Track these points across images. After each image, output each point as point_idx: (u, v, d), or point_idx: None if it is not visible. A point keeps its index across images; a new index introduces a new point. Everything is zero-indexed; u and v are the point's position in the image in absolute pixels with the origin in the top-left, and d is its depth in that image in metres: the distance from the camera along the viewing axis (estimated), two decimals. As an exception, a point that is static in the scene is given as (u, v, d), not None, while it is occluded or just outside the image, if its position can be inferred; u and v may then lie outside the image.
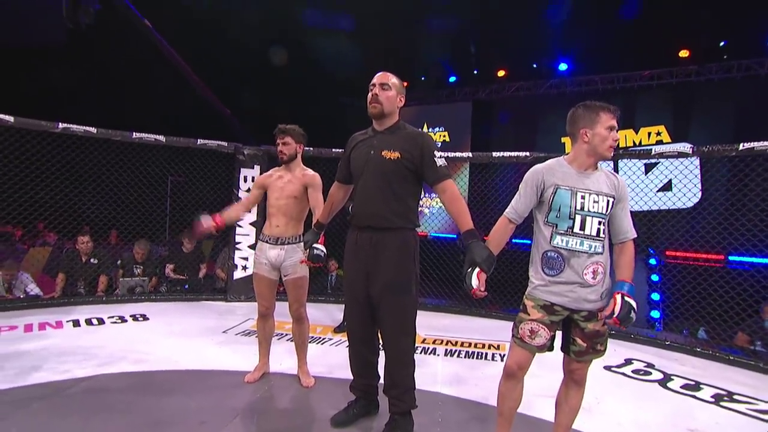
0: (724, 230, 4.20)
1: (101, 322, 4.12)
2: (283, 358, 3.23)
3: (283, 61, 8.36)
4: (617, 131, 1.92)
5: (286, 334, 3.84)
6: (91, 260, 5.06)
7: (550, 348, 1.97)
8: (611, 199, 1.91)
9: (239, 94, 8.97)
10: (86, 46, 7.04)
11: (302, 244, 2.73)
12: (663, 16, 6.72)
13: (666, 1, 6.52)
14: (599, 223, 1.89)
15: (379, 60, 7.37)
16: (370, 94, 2.26)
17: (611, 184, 1.93)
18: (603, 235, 1.91)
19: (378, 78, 2.27)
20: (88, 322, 4.09)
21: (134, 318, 4.30)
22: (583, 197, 1.89)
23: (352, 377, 2.47)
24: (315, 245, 2.50)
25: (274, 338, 3.17)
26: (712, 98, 7.47)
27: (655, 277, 6.59)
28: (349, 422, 2.38)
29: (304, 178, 2.86)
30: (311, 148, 5.09)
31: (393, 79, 2.27)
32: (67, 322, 4.05)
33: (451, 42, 8.55)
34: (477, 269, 1.92)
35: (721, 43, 7.38)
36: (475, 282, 1.91)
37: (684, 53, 7.58)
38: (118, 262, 5.25)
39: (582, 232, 1.89)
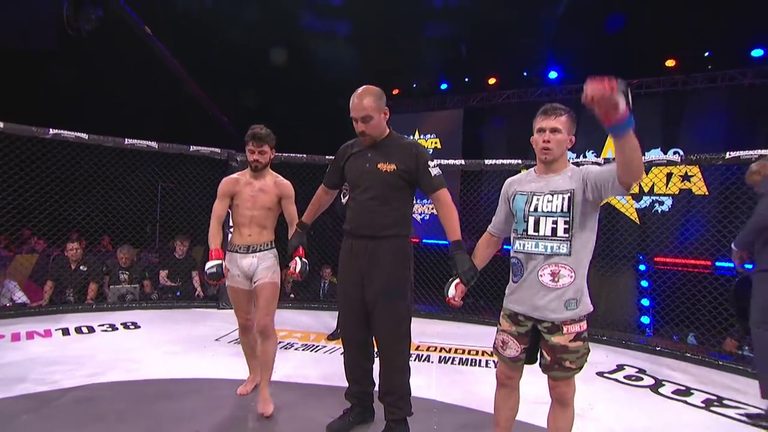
0: (712, 237, 4.28)
1: (91, 330, 4.06)
2: (275, 366, 3.19)
3: (280, 65, 8.36)
4: (552, 130, 1.80)
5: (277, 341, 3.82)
6: (81, 267, 4.99)
7: (527, 361, 1.91)
8: (568, 195, 1.78)
9: (236, 97, 8.93)
10: (83, 51, 6.96)
11: (274, 249, 2.71)
12: (650, 26, 6.86)
13: (652, 11, 6.66)
14: (554, 222, 1.79)
15: (375, 64, 7.46)
16: (356, 127, 2.20)
17: (570, 178, 1.81)
18: (564, 235, 1.78)
19: (356, 111, 2.16)
20: (78, 330, 4.03)
21: (125, 326, 4.24)
22: (538, 199, 1.84)
23: (347, 384, 2.46)
24: (302, 259, 2.54)
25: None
26: (698, 107, 7.61)
27: (644, 283, 6.66)
28: (345, 429, 2.38)
29: (278, 188, 2.69)
30: (304, 155, 5.10)
31: (370, 103, 2.15)
32: (56, 330, 3.98)
33: (443, 50, 8.63)
34: (456, 280, 1.99)
35: (706, 54, 7.55)
36: (452, 292, 1.98)
37: (670, 63, 7.73)
38: (103, 268, 5.19)
39: (536, 234, 1.82)
